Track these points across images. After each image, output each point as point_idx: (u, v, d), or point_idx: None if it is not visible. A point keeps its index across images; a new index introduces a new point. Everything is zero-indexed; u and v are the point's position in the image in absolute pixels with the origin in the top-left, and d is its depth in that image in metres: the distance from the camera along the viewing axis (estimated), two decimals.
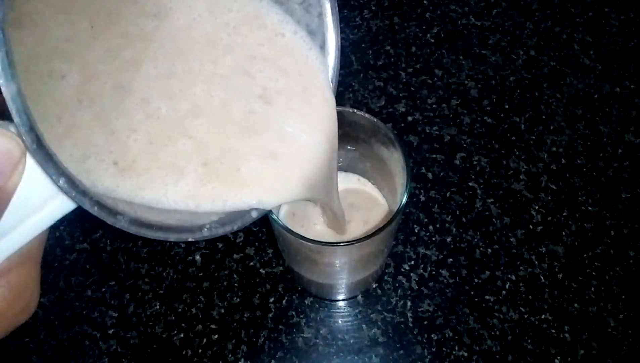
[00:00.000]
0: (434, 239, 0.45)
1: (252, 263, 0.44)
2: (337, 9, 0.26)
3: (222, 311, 0.42)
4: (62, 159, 0.19)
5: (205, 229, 0.23)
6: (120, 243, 0.46)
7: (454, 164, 0.49)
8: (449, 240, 0.45)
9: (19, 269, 0.21)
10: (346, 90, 0.53)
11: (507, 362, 0.40)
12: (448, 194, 0.47)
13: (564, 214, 0.46)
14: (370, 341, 0.41)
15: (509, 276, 0.43)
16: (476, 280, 0.43)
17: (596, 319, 0.41)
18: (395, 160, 0.35)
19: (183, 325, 0.42)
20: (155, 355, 0.41)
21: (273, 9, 0.27)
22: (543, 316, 0.41)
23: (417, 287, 0.43)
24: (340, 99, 0.52)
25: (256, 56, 0.26)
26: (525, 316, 0.41)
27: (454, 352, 0.40)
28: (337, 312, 0.43)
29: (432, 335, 0.41)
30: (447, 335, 0.41)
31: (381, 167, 0.39)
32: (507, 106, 0.52)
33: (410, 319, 0.42)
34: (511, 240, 0.45)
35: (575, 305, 0.42)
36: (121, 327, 0.42)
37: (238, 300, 0.43)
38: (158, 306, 0.43)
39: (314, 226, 0.39)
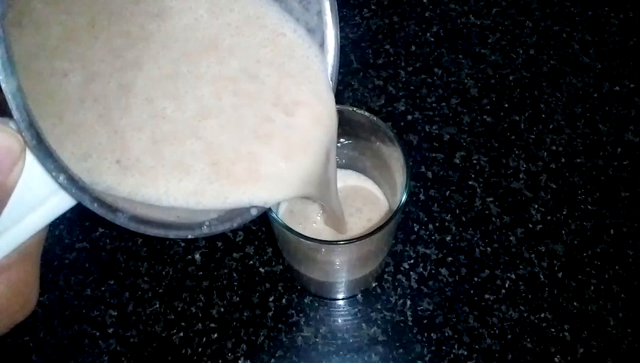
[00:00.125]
0: (433, 238, 0.45)
1: (251, 262, 0.44)
2: (336, 6, 0.26)
3: (222, 310, 0.42)
4: (63, 158, 0.19)
5: (205, 226, 0.23)
6: (119, 242, 0.46)
7: (454, 163, 0.49)
8: (448, 238, 0.45)
9: (19, 266, 0.21)
10: (346, 89, 0.53)
11: (507, 360, 0.40)
12: (448, 193, 0.47)
13: (564, 213, 0.46)
14: (370, 340, 0.41)
15: (509, 275, 0.43)
16: (476, 279, 0.43)
17: (596, 318, 0.41)
18: (394, 159, 0.35)
19: (182, 323, 0.42)
20: (154, 354, 0.41)
21: (272, 8, 0.27)
22: (542, 315, 0.41)
23: (416, 286, 0.43)
24: (340, 98, 0.52)
25: (261, 60, 0.26)
26: (525, 315, 0.41)
27: (453, 351, 0.40)
28: (337, 311, 0.43)
29: (432, 334, 0.41)
30: (446, 334, 0.41)
31: (381, 165, 0.39)
32: (506, 105, 0.52)
33: (409, 318, 0.42)
34: (511, 238, 0.45)
35: (575, 303, 0.42)
36: (121, 325, 0.42)
37: (238, 298, 0.43)
38: (157, 305, 0.43)
39: (312, 224, 0.39)
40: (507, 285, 0.43)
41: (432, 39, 0.57)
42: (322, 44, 0.27)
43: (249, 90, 0.26)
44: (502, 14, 0.58)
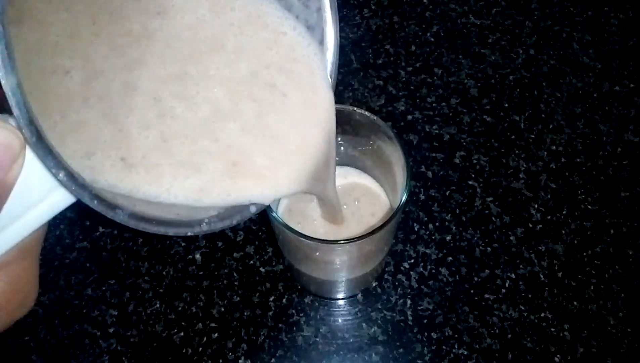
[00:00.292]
0: (433, 237, 0.45)
1: (252, 262, 0.44)
2: (336, 3, 0.26)
3: (222, 309, 0.42)
4: (65, 155, 0.19)
5: (204, 224, 0.24)
6: (120, 241, 0.46)
7: (454, 162, 0.49)
8: (448, 238, 0.45)
9: (18, 263, 0.21)
10: (346, 89, 0.53)
11: (507, 360, 0.40)
12: (448, 192, 0.47)
13: (564, 212, 0.46)
14: (370, 339, 0.41)
15: (509, 274, 0.43)
16: (476, 279, 0.43)
17: (596, 317, 0.41)
18: (395, 159, 0.35)
19: (183, 323, 0.42)
20: (155, 354, 0.41)
21: (272, 6, 0.27)
22: (542, 314, 0.41)
23: (416, 286, 0.43)
24: (340, 97, 0.53)
25: (270, 65, 0.26)
26: (525, 314, 0.41)
27: (453, 350, 0.40)
28: (337, 311, 0.43)
29: (432, 334, 0.41)
30: (446, 334, 0.41)
31: (381, 165, 0.39)
32: (506, 105, 0.52)
33: (410, 317, 0.42)
34: (511, 238, 0.45)
35: (575, 303, 0.42)
36: (121, 325, 0.42)
37: (238, 298, 0.43)
38: (158, 305, 0.43)
39: (313, 222, 0.39)
40: (507, 285, 0.43)
41: (432, 39, 0.57)
42: (321, 42, 0.27)
43: (272, 101, 0.26)
44: (502, 14, 0.58)
